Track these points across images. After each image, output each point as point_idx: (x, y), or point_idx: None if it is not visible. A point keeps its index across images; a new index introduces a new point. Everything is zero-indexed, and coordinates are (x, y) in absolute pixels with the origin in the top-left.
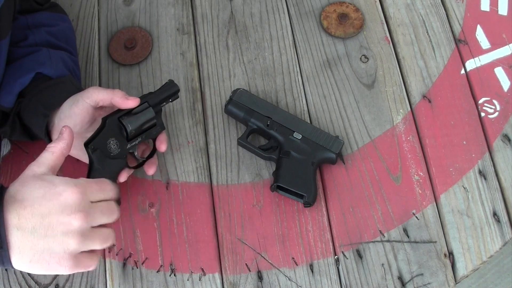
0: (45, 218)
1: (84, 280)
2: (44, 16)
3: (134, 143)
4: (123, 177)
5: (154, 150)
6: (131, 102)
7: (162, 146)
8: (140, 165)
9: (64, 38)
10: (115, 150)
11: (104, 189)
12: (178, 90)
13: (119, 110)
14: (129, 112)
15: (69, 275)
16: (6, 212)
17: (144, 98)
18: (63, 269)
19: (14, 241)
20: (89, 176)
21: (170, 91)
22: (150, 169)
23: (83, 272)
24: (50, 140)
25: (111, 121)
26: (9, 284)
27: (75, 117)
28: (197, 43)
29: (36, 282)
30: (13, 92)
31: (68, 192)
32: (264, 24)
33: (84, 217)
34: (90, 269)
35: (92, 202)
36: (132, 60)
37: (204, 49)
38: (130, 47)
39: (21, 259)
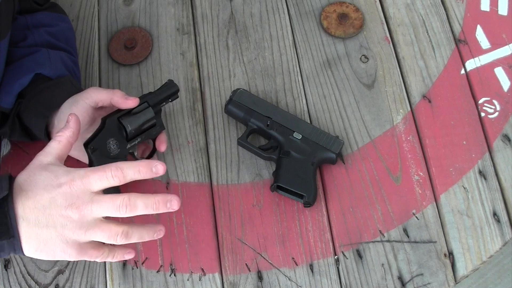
0: (46, 209)
1: (84, 280)
2: (43, 16)
3: (133, 143)
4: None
5: (154, 150)
6: (131, 102)
7: (162, 146)
8: None
9: (64, 38)
10: (114, 150)
11: (106, 177)
12: (178, 90)
13: (119, 110)
14: (129, 112)
15: (69, 275)
16: (15, 202)
17: (143, 98)
18: (68, 257)
19: (21, 231)
20: None
21: (170, 91)
22: None
23: (83, 272)
24: (49, 140)
25: (111, 121)
26: (9, 284)
27: None
28: (197, 43)
29: (36, 282)
30: (12, 92)
31: (67, 184)
32: (264, 24)
33: (81, 209)
34: (97, 260)
35: (96, 192)
36: (132, 60)
37: (204, 49)
38: (130, 47)
39: (29, 248)
